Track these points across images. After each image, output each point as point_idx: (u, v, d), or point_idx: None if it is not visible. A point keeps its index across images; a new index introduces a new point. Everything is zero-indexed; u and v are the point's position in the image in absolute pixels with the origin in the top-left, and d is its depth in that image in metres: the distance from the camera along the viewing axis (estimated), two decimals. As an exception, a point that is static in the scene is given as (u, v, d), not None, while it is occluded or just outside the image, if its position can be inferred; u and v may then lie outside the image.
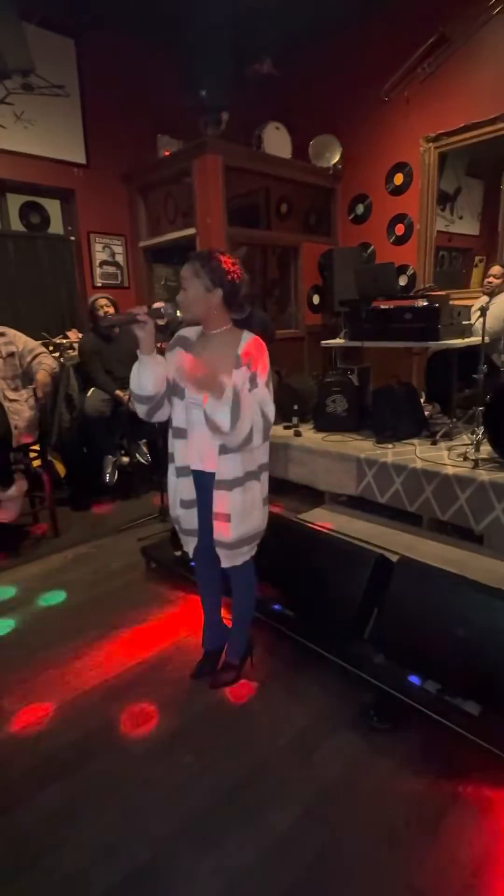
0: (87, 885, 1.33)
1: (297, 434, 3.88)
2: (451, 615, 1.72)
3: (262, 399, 1.70)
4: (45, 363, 3.19)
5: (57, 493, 3.58)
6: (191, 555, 1.96)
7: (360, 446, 3.47)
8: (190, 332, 1.82)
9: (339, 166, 5.40)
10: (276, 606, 2.25)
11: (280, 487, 3.82)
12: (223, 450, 1.71)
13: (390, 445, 3.43)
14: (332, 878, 1.34)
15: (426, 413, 3.87)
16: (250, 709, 1.89)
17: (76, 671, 2.11)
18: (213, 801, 1.54)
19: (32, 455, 3.38)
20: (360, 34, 4.94)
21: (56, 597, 2.69)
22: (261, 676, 2.04)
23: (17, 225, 4.81)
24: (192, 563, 2.07)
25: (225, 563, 1.84)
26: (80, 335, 4.32)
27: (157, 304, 1.75)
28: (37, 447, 3.32)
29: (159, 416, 1.81)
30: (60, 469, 4.04)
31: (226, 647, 2.05)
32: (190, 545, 1.93)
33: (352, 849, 1.40)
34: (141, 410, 1.80)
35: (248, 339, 1.74)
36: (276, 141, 5.03)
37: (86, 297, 5.07)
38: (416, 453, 3.22)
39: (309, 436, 3.84)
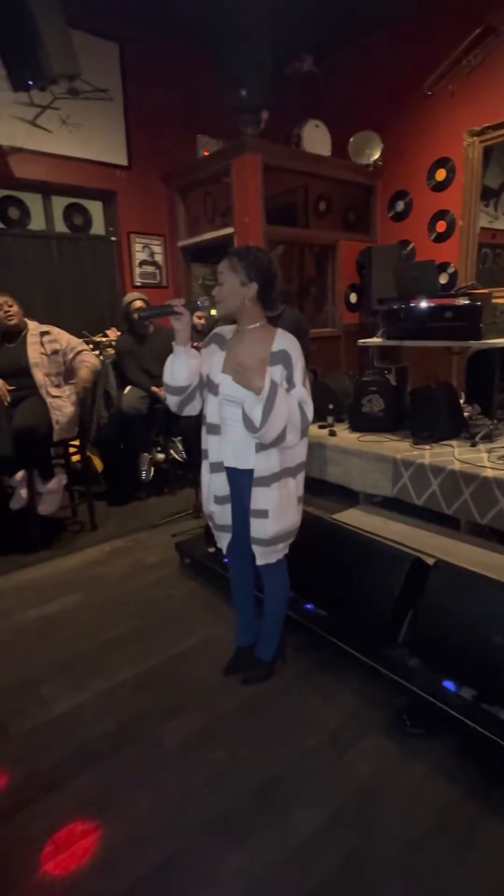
0: (116, 874, 1.35)
1: (332, 434, 3.84)
2: (489, 621, 1.67)
3: (301, 398, 1.71)
4: (88, 361, 3.27)
5: (94, 488, 3.66)
6: (224, 550, 1.97)
7: (397, 447, 3.41)
8: (225, 331, 1.84)
9: (380, 163, 5.32)
10: (309, 605, 2.24)
11: (314, 487, 3.80)
12: (261, 447, 1.71)
13: (428, 446, 3.35)
14: (359, 883, 1.32)
15: (466, 414, 3.77)
16: (281, 707, 1.89)
17: (110, 663, 2.15)
18: (242, 798, 1.54)
19: (72, 450, 3.47)
20: (401, 29, 4.85)
21: (92, 589, 2.75)
22: (292, 675, 2.03)
23: (61, 226, 4.95)
24: (226, 560, 2.08)
25: (260, 561, 1.84)
26: (119, 334, 4.41)
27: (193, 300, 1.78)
28: (76, 443, 3.40)
29: (190, 410, 1.83)
30: (98, 464, 4.13)
31: (261, 645, 2.04)
32: (223, 541, 1.94)
33: (381, 855, 1.38)
34: (172, 402, 1.81)
35: (282, 336, 1.74)
36: (316, 139, 5.00)
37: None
38: (455, 455, 3.14)
39: (344, 435, 3.80)
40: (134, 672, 2.08)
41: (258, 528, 1.77)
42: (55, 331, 3.27)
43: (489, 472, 2.82)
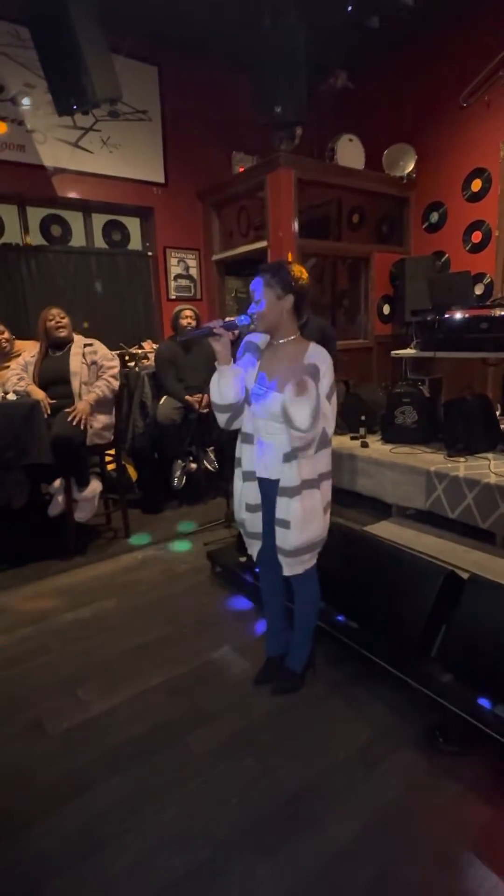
0: (146, 878, 1.37)
1: (364, 445, 3.83)
2: (526, 638, 1.64)
3: (323, 411, 1.73)
4: (100, 387, 3.23)
5: (128, 496, 3.73)
6: (255, 558, 1.99)
7: (430, 459, 3.37)
8: (256, 339, 1.88)
9: (413, 175, 5.31)
10: (340, 617, 2.23)
11: (346, 498, 3.78)
12: (287, 458, 1.75)
13: (462, 459, 3.30)
14: (392, 899, 1.30)
15: (502, 426, 3.69)
16: (311, 719, 1.88)
17: (143, 668, 2.18)
18: (273, 807, 1.54)
19: (107, 459, 3.55)
20: (435, 42, 4.86)
21: (126, 595, 2.80)
22: (323, 687, 2.02)
23: (100, 242, 5.12)
24: (257, 570, 2.10)
25: (287, 571, 1.86)
26: (155, 346, 4.51)
27: (230, 319, 1.83)
28: (112, 451, 3.49)
29: (237, 424, 1.88)
30: (132, 473, 4.21)
31: (291, 656, 2.05)
32: (254, 548, 1.96)
33: (412, 874, 1.36)
34: (222, 419, 1.86)
35: (315, 349, 1.78)
36: (350, 152, 5.03)
37: (161, 310, 5.30)
38: (491, 468, 3.08)
39: (376, 447, 3.77)
40: (165, 678, 2.11)
41: (281, 537, 1.80)
42: (97, 343, 3.41)
43: (526, 486, 2.75)
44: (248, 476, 1.87)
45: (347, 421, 4.25)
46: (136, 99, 4.81)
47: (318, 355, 1.77)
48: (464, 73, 4.73)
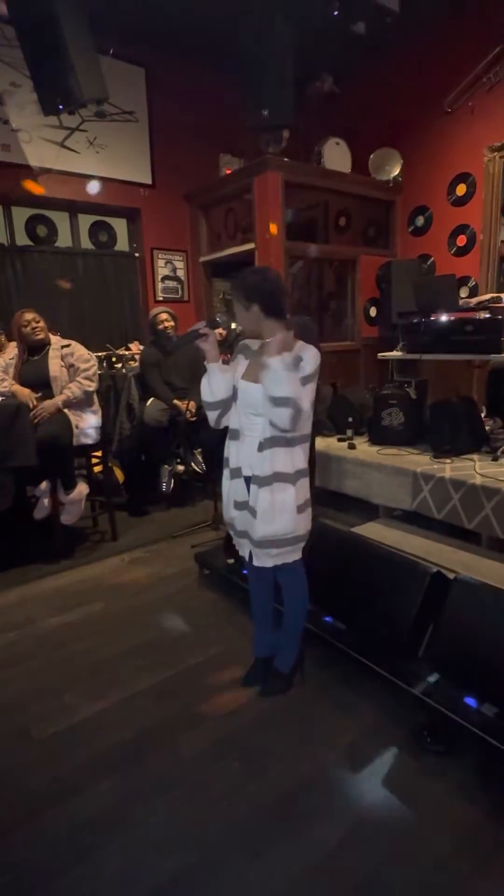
0: (135, 883, 1.36)
1: (352, 447, 3.85)
2: (511, 637, 1.65)
3: (300, 396, 1.70)
4: (71, 389, 3.18)
5: (115, 499, 3.71)
6: (246, 557, 1.98)
7: (417, 460, 3.40)
8: (251, 342, 1.91)
9: (399, 179, 5.37)
10: (328, 618, 2.24)
11: (334, 500, 3.80)
12: (260, 447, 1.77)
13: (448, 460, 3.33)
14: (380, 899, 1.31)
15: (487, 428, 3.74)
16: (300, 720, 1.88)
17: (130, 671, 2.17)
18: (261, 810, 1.54)
19: (94, 461, 3.53)
20: (420, 48, 4.92)
21: (113, 598, 2.78)
22: (311, 688, 2.03)
23: (86, 243, 5.09)
24: (245, 570, 2.09)
25: (256, 562, 1.87)
26: (142, 347, 4.49)
27: (215, 318, 1.87)
28: (99, 454, 3.46)
29: (226, 421, 1.90)
30: (119, 475, 4.19)
31: (279, 657, 2.04)
32: (244, 548, 1.94)
33: (401, 875, 1.36)
34: (212, 416, 1.89)
35: (305, 347, 1.78)
36: (337, 156, 5.07)
37: (148, 311, 5.28)
38: (476, 469, 3.12)
39: (364, 448, 3.80)
40: (153, 681, 2.10)
41: (249, 525, 1.82)
42: (74, 345, 3.34)
43: (511, 487, 2.79)
44: (236, 473, 1.87)
45: (335, 422, 4.27)
46: (123, 100, 4.79)
47: (305, 351, 1.75)
48: (448, 78, 4.79)
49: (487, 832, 1.45)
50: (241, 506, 1.87)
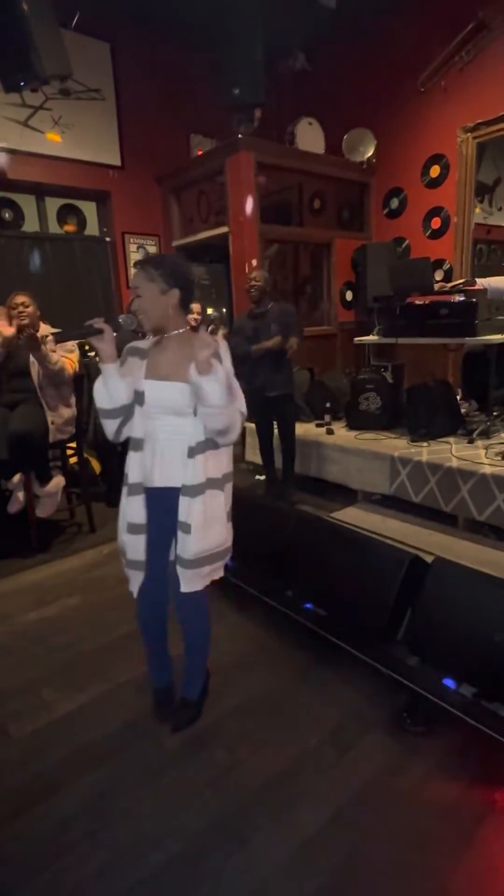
0: (119, 876, 1.36)
1: (330, 432, 3.85)
2: (487, 618, 1.68)
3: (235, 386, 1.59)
4: (61, 358, 3.12)
5: (92, 490, 3.65)
6: (135, 594, 1.72)
7: (394, 444, 3.42)
8: (140, 343, 1.71)
9: (374, 160, 5.32)
10: (308, 605, 2.25)
11: (312, 486, 3.81)
12: (191, 452, 1.57)
13: (425, 444, 3.36)
14: (361, 882, 1.33)
15: (463, 411, 3.78)
16: (281, 707, 1.89)
17: (110, 665, 2.15)
18: (244, 798, 1.55)
19: (69, 452, 3.46)
20: (394, 26, 4.84)
21: (91, 591, 2.75)
22: (292, 675, 2.04)
23: (55, 227, 4.93)
24: (138, 613, 1.80)
25: (184, 587, 1.63)
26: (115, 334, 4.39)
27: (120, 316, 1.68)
28: (74, 445, 3.40)
29: (128, 431, 1.66)
30: (96, 466, 4.13)
31: (187, 684, 1.86)
32: (135, 581, 1.70)
33: (383, 853, 1.39)
34: (111, 428, 1.63)
35: (220, 343, 1.58)
36: (310, 136, 4.99)
37: (121, 297, 5.17)
38: (452, 452, 3.15)
39: (341, 434, 3.81)
40: (133, 674, 2.08)
41: (181, 544, 1.60)
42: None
43: (487, 469, 2.83)
44: (135, 489, 1.63)
45: (312, 408, 4.26)
46: (89, 77, 4.63)
47: (220, 345, 1.53)
48: (422, 56, 4.73)
49: (466, 809, 1.48)
50: (137, 529, 1.64)
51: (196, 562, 1.62)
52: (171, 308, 1.60)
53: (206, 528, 1.60)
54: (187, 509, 1.58)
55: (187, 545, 1.60)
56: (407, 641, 1.89)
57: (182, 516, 1.59)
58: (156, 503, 1.64)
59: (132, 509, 1.64)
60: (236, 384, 1.58)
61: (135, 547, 1.66)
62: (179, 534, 1.61)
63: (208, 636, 1.82)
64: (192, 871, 1.37)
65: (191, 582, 1.64)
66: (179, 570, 1.63)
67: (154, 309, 1.59)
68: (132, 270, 5.25)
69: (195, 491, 1.58)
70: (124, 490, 1.66)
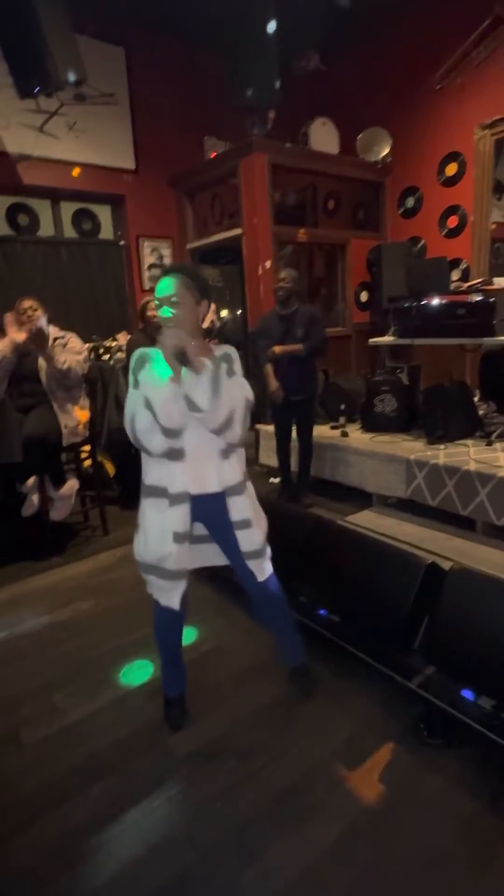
0: (131, 888, 1.34)
1: (345, 434, 3.81)
2: (508, 628, 1.63)
3: (241, 382, 1.61)
4: (69, 356, 3.11)
5: (106, 493, 3.65)
6: (177, 606, 1.69)
7: (410, 447, 3.37)
8: (152, 351, 1.65)
9: (389, 159, 5.26)
10: (322, 611, 2.21)
11: (327, 489, 3.76)
12: (224, 455, 1.63)
13: (442, 446, 3.30)
14: (378, 898, 1.29)
15: (480, 412, 3.71)
16: (295, 716, 1.85)
17: (122, 670, 2.13)
18: (257, 809, 1.51)
19: (83, 455, 3.47)
20: (408, 24, 4.79)
21: (104, 595, 2.74)
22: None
23: (69, 232, 4.97)
24: (158, 625, 1.81)
25: (261, 576, 1.75)
26: (129, 336, 4.40)
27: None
28: (88, 448, 3.40)
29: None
30: (110, 469, 4.13)
31: (290, 653, 1.96)
32: (177, 592, 1.68)
33: (399, 870, 1.34)
34: (164, 445, 1.56)
35: (223, 346, 1.70)
36: (323, 137, 4.96)
37: (135, 300, 5.18)
38: (470, 454, 3.09)
39: (356, 436, 3.76)
40: (146, 680, 2.06)
41: (247, 540, 1.69)
42: (68, 336, 3.24)
43: (505, 473, 2.76)
44: (179, 499, 1.61)
45: (327, 409, 4.22)
46: (103, 82, 4.64)
47: (227, 350, 1.66)
48: (437, 55, 4.67)
49: (486, 825, 1.43)
50: (182, 537, 1.63)
51: (263, 549, 1.74)
52: (199, 319, 1.63)
53: (258, 516, 1.74)
54: (239, 507, 1.68)
55: (252, 538, 1.70)
56: (423, 650, 1.84)
57: (236, 516, 1.68)
58: (200, 510, 1.67)
59: (175, 518, 1.62)
60: (224, 380, 1.57)
61: (180, 556, 1.65)
62: (238, 532, 1.69)
63: (287, 604, 1.89)
64: (205, 883, 1.34)
65: (263, 568, 1.76)
66: (253, 563, 1.73)
67: (191, 318, 1.59)
68: (146, 273, 5.27)
69: (239, 489, 1.68)
70: (161, 504, 1.62)
